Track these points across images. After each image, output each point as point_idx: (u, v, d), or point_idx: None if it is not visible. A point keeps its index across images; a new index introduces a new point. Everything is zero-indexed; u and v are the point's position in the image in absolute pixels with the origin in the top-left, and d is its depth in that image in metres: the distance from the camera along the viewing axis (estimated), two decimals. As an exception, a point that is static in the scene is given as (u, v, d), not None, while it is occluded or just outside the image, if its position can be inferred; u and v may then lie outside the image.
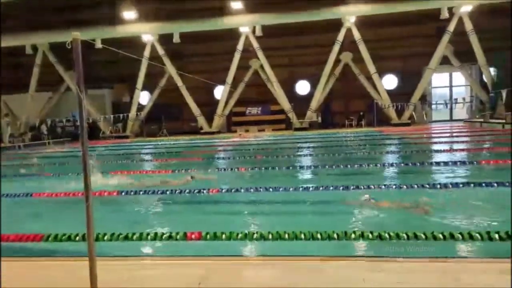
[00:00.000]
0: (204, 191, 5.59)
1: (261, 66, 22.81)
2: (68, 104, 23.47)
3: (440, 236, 3.04)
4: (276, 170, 7.63)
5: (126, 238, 3.43)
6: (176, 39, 21.74)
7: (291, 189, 5.50)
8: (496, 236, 2.98)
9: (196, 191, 5.58)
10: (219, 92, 24.08)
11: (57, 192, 5.79)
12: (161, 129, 23.61)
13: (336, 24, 21.42)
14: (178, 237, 3.38)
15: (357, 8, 20.49)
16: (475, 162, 7.56)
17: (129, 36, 21.49)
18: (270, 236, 3.26)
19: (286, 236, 3.23)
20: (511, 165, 6.10)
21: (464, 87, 24.88)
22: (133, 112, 23.09)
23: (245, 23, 21.63)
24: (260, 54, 22.30)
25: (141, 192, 5.72)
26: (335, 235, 3.17)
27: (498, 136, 13.32)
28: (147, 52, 22.49)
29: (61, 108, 24.15)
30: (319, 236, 3.18)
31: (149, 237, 3.51)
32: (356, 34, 21.41)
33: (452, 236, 3.05)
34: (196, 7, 21.55)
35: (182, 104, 24.08)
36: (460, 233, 3.09)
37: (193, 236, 3.35)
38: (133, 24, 21.24)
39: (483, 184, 5.11)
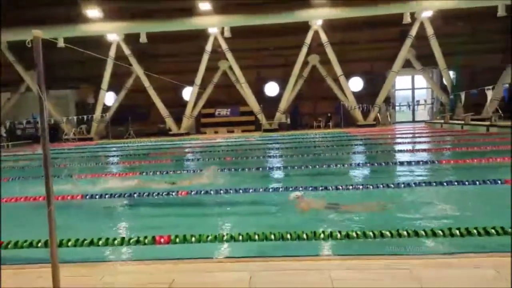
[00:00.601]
0: (173, 194, 5.51)
1: (230, 67, 22.80)
2: (28, 105, 22.43)
3: (405, 233, 3.14)
4: (246, 172, 7.64)
5: (91, 243, 3.32)
6: (143, 39, 21.32)
7: (261, 189, 5.52)
8: (457, 232, 3.12)
9: (164, 193, 5.49)
10: (188, 93, 23.83)
11: (17, 197, 5.52)
12: (128, 130, 23.06)
13: (304, 27, 21.76)
14: (146, 241, 3.31)
15: (323, 12, 20.88)
16: (436, 162, 7.88)
17: (94, 35, 20.86)
18: (241, 238, 3.26)
19: (256, 237, 3.23)
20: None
21: (425, 90, 25.92)
22: (98, 113, 22.41)
23: (213, 24, 21.53)
24: (228, 55, 22.28)
25: (107, 196, 5.55)
26: (304, 236, 3.21)
27: (457, 136, 13.96)
28: (112, 52, 21.93)
29: (21, 109, 23.05)
30: (288, 236, 3.20)
31: (115, 242, 3.41)
32: (323, 37, 21.84)
33: (416, 233, 3.16)
34: (164, 7, 21.23)
35: (149, 105, 23.66)
36: (424, 230, 3.20)
37: (162, 240, 3.29)
38: (97, 23, 20.64)
39: (444, 183, 5.33)
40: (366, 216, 4.43)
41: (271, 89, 26.03)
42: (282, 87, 23.70)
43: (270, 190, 5.58)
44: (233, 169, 7.83)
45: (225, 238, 3.34)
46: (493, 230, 3.06)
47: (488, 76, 20.46)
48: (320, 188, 5.34)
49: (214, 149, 13.63)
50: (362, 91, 24.82)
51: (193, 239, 3.29)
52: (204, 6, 20.37)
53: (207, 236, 3.31)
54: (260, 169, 7.96)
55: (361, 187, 5.54)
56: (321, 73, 22.92)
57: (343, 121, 23.14)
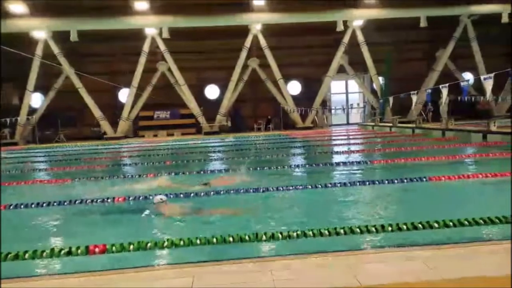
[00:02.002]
0: (109, 200, 5.24)
1: (169, 69, 22.31)
2: None
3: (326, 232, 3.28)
4: (187, 175, 7.50)
5: (16, 257, 3.03)
6: (73, 37, 20.08)
7: (202, 194, 5.45)
8: (389, 228, 3.32)
9: (100, 200, 5.20)
10: (125, 95, 22.91)
11: None
12: (58, 134, 21.55)
13: (244, 30, 21.97)
14: (79, 251, 3.10)
15: (262, 17, 21.27)
16: (368, 162, 8.35)
17: (19, 32, 19.23)
18: (182, 243, 3.18)
19: (198, 241, 3.17)
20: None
21: (358, 94, 27.44)
22: (23, 116, 20.71)
23: (150, 24, 20.94)
24: (167, 56, 21.80)
25: (33, 205, 5.12)
26: (230, 239, 3.21)
27: (387, 137, 14.93)
28: (39, 50, 20.41)
29: None
30: (231, 239, 3.19)
31: (44, 254, 3.14)
32: (262, 41, 22.22)
33: (351, 230, 3.31)
34: (97, 4, 20.19)
35: (82, 108, 22.35)
36: (358, 227, 3.36)
37: (96, 250, 3.10)
38: (22, 19, 19.08)
39: (377, 182, 5.65)
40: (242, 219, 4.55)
41: (212, 91, 25.93)
42: (223, 90, 23.70)
43: (212, 194, 5.52)
44: (173, 173, 7.64)
45: (165, 244, 3.24)
46: (420, 225, 3.30)
47: (414, 82, 22.20)
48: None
49: (153, 152, 13.22)
50: (300, 94, 25.65)
51: (131, 247, 3.14)
52: (141, 6, 19.75)
53: (147, 243, 3.19)
54: (201, 172, 7.87)
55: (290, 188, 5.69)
56: (261, 77, 23.28)
57: (282, 124, 23.69)
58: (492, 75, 11.32)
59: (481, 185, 5.67)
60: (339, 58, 22.84)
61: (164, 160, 10.29)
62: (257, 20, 21.50)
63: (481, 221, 3.34)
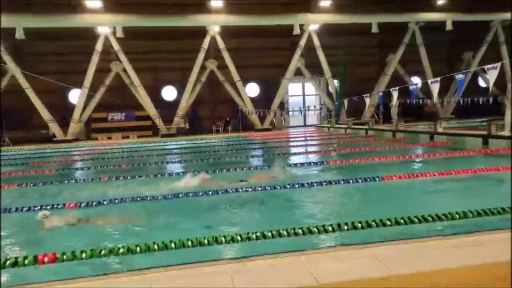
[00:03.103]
0: (59, 206, 4.98)
1: (124, 70, 21.64)
2: None
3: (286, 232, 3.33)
4: (143, 178, 7.31)
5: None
6: (19, 34, 18.94)
7: (159, 197, 5.33)
8: (345, 227, 3.42)
9: (49, 206, 4.92)
10: (76, 96, 21.93)
11: None
12: (2, 137, 20.19)
13: (202, 31, 21.80)
14: (26, 262, 2.91)
15: (219, 18, 21.21)
16: (325, 162, 8.56)
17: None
18: (139, 249, 3.08)
19: (156, 247, 3.09)
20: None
21: (314, 96, 28.10)
22: (-39, 118, 19.23)
23: (103, 23, 20.22)
24: (122, 56, 21.14)
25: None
26: (189, 243, 3.18)
27: (342, 139, 15.39)
28: (-21, 48, 19.06)
29: None
30: (189, 243, 3.14)
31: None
32: (220, 43, 22.16)
33: (309, 230, 3.37)
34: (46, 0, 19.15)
35: (30, 109, 21.10)
36: (316, 227, 3.43)
37: (46, 259, 2.93)
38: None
39: (333, 182, 5.81)
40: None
41: (169, 93, 25.48)
42: (180, 91, 23.36)
43: (169, 197, 5.41)
44: (128, 177, 7.41)
45: (121, 251, 3.13)
46: (373, 223, 3.43)
47: (367, 85, 23.12)
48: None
49: (106, 155, 12.75)
50: (259, 96, 25.86)
51: (84, 255, 3.00)
52: (94, 4, 19.02)
53: (100, 251, 3.06)
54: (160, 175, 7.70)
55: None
56: (219, 78, 23.19)
57: (241, 126, 23.73)
58: (438, 79, 12.02)
59: (429, 183, 5.99)
60: (296, 61, 23.27)
61: (119, 164, 9.96)
62: (215, 21, 21.42)
63: (429, 218, 3.53)
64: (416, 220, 3.50)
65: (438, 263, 2.56)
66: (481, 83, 26.85)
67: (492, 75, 9.16)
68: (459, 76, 12.13)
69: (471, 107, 21.58)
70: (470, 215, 3.60)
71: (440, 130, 12.14)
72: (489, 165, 6.91)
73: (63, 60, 22.33)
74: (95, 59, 20.86)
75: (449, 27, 22.81)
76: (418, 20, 23.24)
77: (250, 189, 5.52)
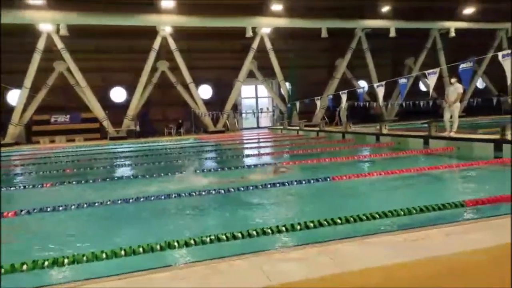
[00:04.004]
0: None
1: (68, 69, 20.58)
2: None
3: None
4: (90, 183, 6.98)
5: None
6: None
7: (108, 202, 5.11)
8: (298, 227, 3.48)
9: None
10: (15, 97, 20.50)
11: None
12: None
13: (152, 32, 21.28)
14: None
15: (171, 18, 20.84)
16: (277, 163, 8.67)
17: None
18: (85, 259, 2.93)
19: (104, 255, 2.96)
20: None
21: (267, 98, 28.44)
22: None
23: (45, 20, 19.12)
24: (66, 56, 20.10)
25: None
26: (158, 247, 3.09)
27: (294, 140, 15.70)
28: None
29: None
30: (141, 250, 3.04)
31: None
32: (172, 44, 21.77)
33: (263, 231, 3.39)
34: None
35: (-40, 111, 19.44)
36: (270, 228, 3.46)
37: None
38: None
39: (286, 183, 5.89)
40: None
41: (118, 94, 24.60)
42: (130, 93, 22.63)
43: (119, 202, 5.20)
44: (74, 182, 7.04)
45: (85, 258, 2.95)
46: (325, 222, 3.52)
47: (317, 88, 23.79)
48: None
49: (50, 160, 12.03)
50: (211, 98, 25.71)
51: (25, 267, 2.80)
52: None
53: (53, 261, 2.87)
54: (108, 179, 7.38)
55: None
56: (170, 80, 22.76)
57: (194, 128, 23.44)
58: (383, 83, 12.65)
59: (376, 182, 6.26)
60: (249, 63, 23.42)
61: (63, 168, 9.43)
62: (165, 22, 21.02)
63: (377, 215, 3.69)
64: (364, 217, 3.64)
65: (387, 259, 2.67)
66: (422, 87, 28.63)
67: (432, 79, 9.78)
68: (402, 81, 12.82)
69: (412, 109, 22.96)
70: (414, 211, 3.81)
71: (385, 131, 12.77)
72: (430, 164, 7.36)
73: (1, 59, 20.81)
74: (36, 58, 19.66)
75: (392, 34, 24.10)
76: (364, 26, 24.33)
77: (204, 193, 5.46)
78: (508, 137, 8.30)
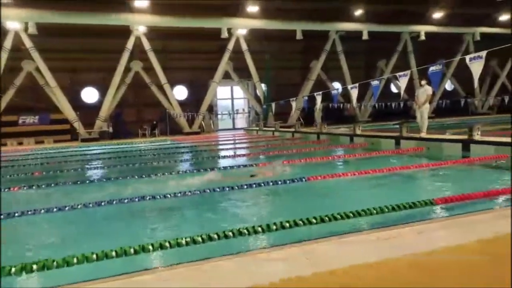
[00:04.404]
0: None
1: (37, 69, 19.91)
2: None
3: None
4: (60, 186, 6.76)
5: None
6: None
7: (79, 206, 4.96)
8: (274, 227, 3.49)
9: None
10: (-21, 97, 19.63)
11: None
12: None
13: (126, 31, 20.88)
14: None
15: (144, 18, 20.52)
16: (254, 165, 8.68)
17: None
18: (55, 264, 2.83)
19: (75, 260, 2.87)
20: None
21: (243, 100, 28.44)
22: None
23: (13, 18, 18.42)
24: (35, 55, 19.43)
25: None
26: (131, 250, 3.03)
27: (270, 141, 15.76)
28: None
29: None
30: (114, 254, 2.96)
31: None
32: (146, 44, 21.43)
33: (240, 232, 3.38)
34: None
35: None
36: (246, 228, 3.45)
37: None
38: None
39: (262, 184, 5.90)
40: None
41: (90, 94, 24.00)
42: (102, 93, 22.12)
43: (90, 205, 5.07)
44: (43, 185, 6.81)
45: (55, 264, 2.84)
46: (301, 222, 3.55)
47: (292, 89, 23.99)
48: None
49: (18, 162, 11.58)
50: (187, 99, 25.48)
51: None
52: (0, -5, 17.24)
53: (22, 267, 2.75)
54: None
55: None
56: (145, 80, 22.40)
57: (169, 129, 23.15)
58: (356, 85, 12.89)
59: (351, 182, 6.37)
60: (225, 64, 23.35)
61: (32, 171, 9.10)
62: (139, 21, 20.68)
63: (351, 214, 3.75)
64: (339, 217, 3.69)
65: (361, 258, 2.72)
66: (393, 89, 29.38)
67: (403, 81, 10.05)
68: (375, 82, 13.12)
69: (385, 110, 23.53)
70: (386, 210, 3.89)
71: (358, 132, 13.02)
72: (401, 164, 7.56)
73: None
74: (3, 56, 18.90)
75: (365, 36, 24.62)
76: (337, 29, 24.74)
77: (179, 194, 5.39)
78: (476, 137, 8.64)
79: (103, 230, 4.51)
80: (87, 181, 7.42)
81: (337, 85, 26.06)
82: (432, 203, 4.16)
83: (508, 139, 8.70)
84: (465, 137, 8.99)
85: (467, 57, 5.08)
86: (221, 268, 2.68)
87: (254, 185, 5.81)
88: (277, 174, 7.01)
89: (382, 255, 2.73)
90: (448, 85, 30.44)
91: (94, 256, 2.91)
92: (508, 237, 2.98)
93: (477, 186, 5.46)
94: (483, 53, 4.85)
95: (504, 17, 27.59)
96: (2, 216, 4.57)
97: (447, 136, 10.98)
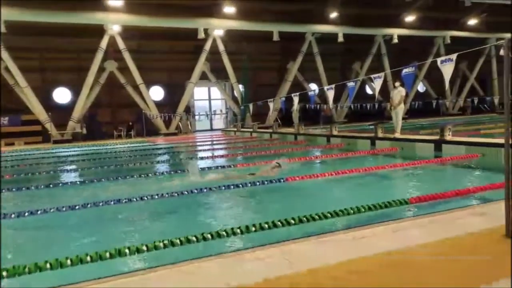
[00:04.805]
0: None
1: (7, 69, 19.20)
2: None
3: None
4: (32, 190, 6.55)
5: None
6: None
7: (51, 210, 4.82)
8: (253, 228, 3.49)
9: None
10: None
11: None
12: None
13: (99, 30, 20.43)
14: None
15: (118, 17, 20.14)
16: (232, 166, 8.66)
17: None
18: (27, 270, 2.74)
19: (48, 265, 2.78)
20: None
21: (220, 101, 28.35)
22: None
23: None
24: (4, 54, 18.73)
25: None
26: (107, 254, 2.96)
27: (248, 142, 15.76)
28: None
29: None
30: (88, 258, 2.89)
31: None
32: (121, 43, 21.04)
33: (218, 234, 3.37)
34: None
35: None
36: (224, 230, 3.44)
37: None
38: None
39: (240, 185, 5.90)
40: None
41: (62, 95, 23.36)
42: (76, 94, 21.56)
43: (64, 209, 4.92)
44: (14, 189, 6.57)
45: (27, 270, 2.74)
46: (279, 223, 3.57)
47: (270, 90, 24.09)
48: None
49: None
50: (163, 100, 25.18)
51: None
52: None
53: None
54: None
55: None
56: (120, 80, 21.98)
57: (145, 130, 22.79)
58: (332, 86, 13.06)
59: (328, 182, 6.45)
60: (201, 65, 23.21)
61: (1, 174, 8.77)
62: (113, 20, 20.27)
63: (329, 214, 3.80)
64: (317, 217, 3.73)
65: (337, 257, 2.75)
66: (368, 90, 29.96)
67: (377, 83, 10.26)
68: (350, 84, 13.34)
69: (360, 111, 23.98)
70: (363, 210, 3.96)
71: (335, 133, 13.21)
72: (376, 164, 7.72)
73: None
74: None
75: (340, 39, 25.00)
76: (313, 31, 25.02)
77: (157, 196, 5.31)
78: (447, 137, 8.92)
79: (77, 234, 4.39)
80: (60, 184, 7.21)
81: (314, 86, 26.35)
82: (407, 203, 4.27)
83: (478, 139, 9.03)
84: (437, 137, 9.27)
85: (439, 60, 5.25)
86: (201, 269, 2.66)
87: (232, 187, 5.80)
88: (276, 172, 6.91)
89: (358, 254, 2.77)
90: (420, 87, 31.31)
91: (69, 261, 2.83)
92: (481, 234, 3.09)
93: (450, 185, 5.64)
94: (454, 56, 5.02)
95: (472, 21, 28.63)
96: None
97: (420, 136, 11.29)
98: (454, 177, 7.07)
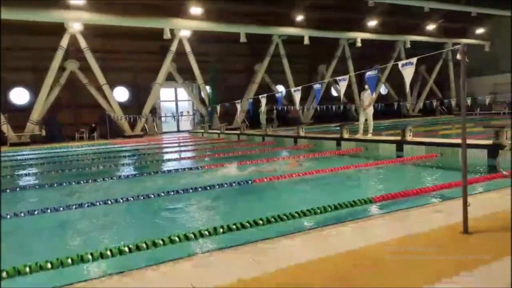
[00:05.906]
0: None
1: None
2: None
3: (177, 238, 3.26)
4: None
5: None
6: None
7: (8, 216, 4.58)
8: (221, 230, 3.47)
9: None
10: None
11: None
12: None
13: (60, 28, 19.65)
14: None
15: (80, 15, 19.47)
16: (199, 167, 8.58)
17: None
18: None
19: (27, 269, 2.64)
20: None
21: (187, 102, 28.02)
22: None
23: None
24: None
25: None
26: (69, 261, 2.85)
27: (216, 144, 15.69)
28: None
29: None
30: (69, 261, 2.77)
31: None
32: (82, 42, 20.34)
33: (186, 237, 3.32)
34: None
35: None
36: (192, 233, 3.40)
37: None
38: None
39: (208, 187, 5.85)
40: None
41: (20, 95, 22.28)
42: (34, 94, 20.62)
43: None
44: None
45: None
46: (247, 224, 3.56)
47: (237, 92, 24.06)
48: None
49: None
50: (128, 101, 24.58)
51: None
52: None
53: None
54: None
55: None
56: (82, 81, 21.24)
57: (109, 132, 22.13)
58: (299, 88, 13.21)
59: (295, 182, 6.52)
60: (168, 65, 22.85)
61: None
62: (74, 18, 19.57)
63: (296, 214, 3.84)
64: (285, 217, 3.76)
65: (304, 256, 2.79)
66: (334, 92, 30.62)
67: (342, 86, 10.48)
68: (316, 86, 13.55)
69: (326, 113, 24.46)
70: (329, 209, 4.04)
71: (302, 134, 13.40)
72: (342, 164, 7.89)
73: None
74: None
75: (306, 41, 25.41)
76: (279, 33, 25.28)
77: (122, 200, 5.17)
78: (408, 138, 9.26)
79: (37, 241, 4.19)
80: (17, 189, 6.86)
81: (281, 88, 26.59)
82: (371, 201, 4.39)
83: (436, 140, 9.45)
84: (398, 138, 9.60)
85: (400, 63, 5.44)
86: (168, 273, 2.62)
87: (199, 189, 5.74)
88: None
89: (325, 252, 2.82)
90: (383, 89, 32.38)
91: (27, 269, 2.69)
92: (440, 231, 3.23)
93: (411, 184, 5.86)
94: (414, 60, 5.22)
95: (430, 27, 29.98)
96: None
97: (382, 137, 11.66)
98: (415, 176, 7.35)
